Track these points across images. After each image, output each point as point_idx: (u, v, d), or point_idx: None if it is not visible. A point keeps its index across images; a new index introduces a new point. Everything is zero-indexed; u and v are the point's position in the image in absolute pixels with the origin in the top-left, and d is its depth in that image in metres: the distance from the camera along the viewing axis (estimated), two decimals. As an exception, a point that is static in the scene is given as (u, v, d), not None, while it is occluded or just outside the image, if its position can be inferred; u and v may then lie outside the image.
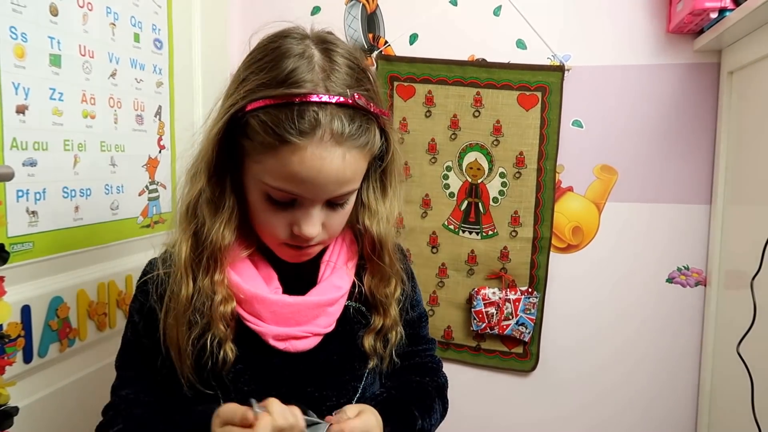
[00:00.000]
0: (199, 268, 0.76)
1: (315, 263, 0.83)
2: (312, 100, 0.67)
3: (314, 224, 0.73)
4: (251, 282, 0.78)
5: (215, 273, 0.76)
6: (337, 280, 0.82)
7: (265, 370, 0.78)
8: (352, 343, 0.82)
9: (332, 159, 0.68)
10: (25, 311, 0.92)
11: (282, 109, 0.67)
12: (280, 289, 0.80)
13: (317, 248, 0.80)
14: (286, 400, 0.69)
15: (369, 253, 0.84)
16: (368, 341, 0.82)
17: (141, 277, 0.83)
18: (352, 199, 0.78)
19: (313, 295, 0.80)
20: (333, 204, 0.74)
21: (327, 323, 0.79)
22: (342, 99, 0.68)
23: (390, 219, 0.83)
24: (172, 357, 0.76)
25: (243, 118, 0.70)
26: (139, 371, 0.81)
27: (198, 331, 0.75)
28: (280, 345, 0.77)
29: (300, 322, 0.78)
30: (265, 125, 0.67)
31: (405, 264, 0.91)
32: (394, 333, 0.84)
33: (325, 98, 0.67)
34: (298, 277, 0.81)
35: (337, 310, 0.81)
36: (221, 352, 0.75)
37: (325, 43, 0.73)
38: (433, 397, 0.89)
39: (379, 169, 0.81)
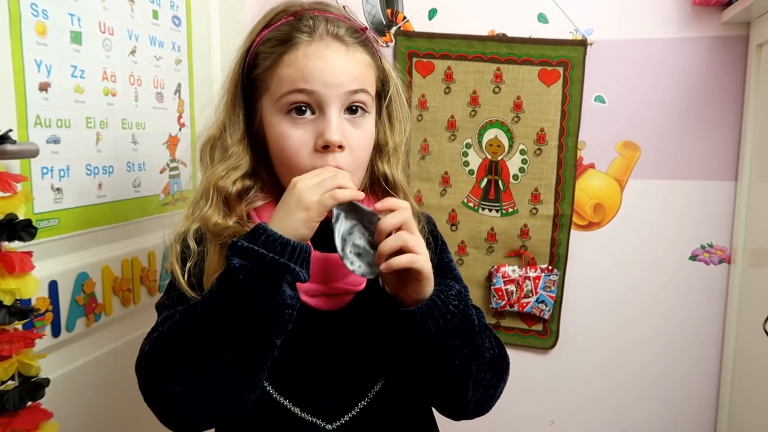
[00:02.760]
0: (220, 210, 0.75)
1: None
2: (309, 14, 0.74)
3: (336, 130, 0.71)
4: None
5: (233, 214, 0.75)
6: None
7: (299, 328, 0.71)
8: (385, 301, 0.74)
9: (336, 50, 0.73)
10: (53, 287, 0.93)
11: (282, 26, 0.74)
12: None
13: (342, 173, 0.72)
14: (322, 360, 0.75)
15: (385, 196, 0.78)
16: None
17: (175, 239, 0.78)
18: (369, 120, 0.77)
19: None
20: (351, 110, 0.74)
21: (357, 281, 0.76)
22: (335, 13, 0.76)
23: (398, 150, 0.82)
24: None
25: (253, 53, 0.76)
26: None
27: None
28: (311, 301, 0.74)
29: (329, 278, 0.75)
30: (271, 42, 0.74)
31: (431, 228, 0.86)
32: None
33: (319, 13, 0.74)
34: (325, 231, 0.72)
35: None
36: None
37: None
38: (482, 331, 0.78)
39: (384, 104, 0.81)
